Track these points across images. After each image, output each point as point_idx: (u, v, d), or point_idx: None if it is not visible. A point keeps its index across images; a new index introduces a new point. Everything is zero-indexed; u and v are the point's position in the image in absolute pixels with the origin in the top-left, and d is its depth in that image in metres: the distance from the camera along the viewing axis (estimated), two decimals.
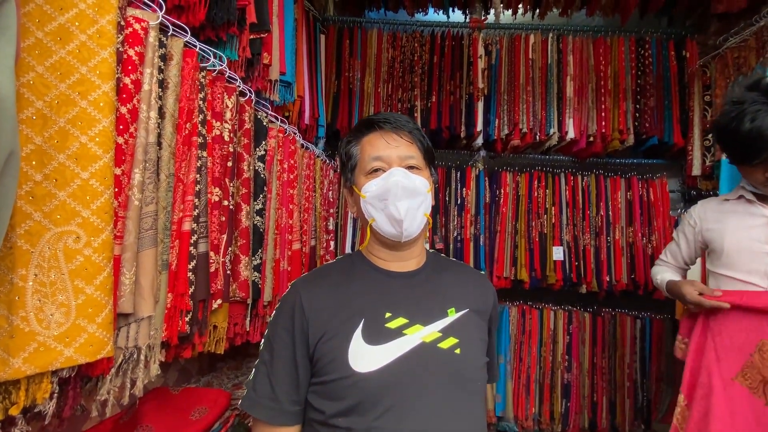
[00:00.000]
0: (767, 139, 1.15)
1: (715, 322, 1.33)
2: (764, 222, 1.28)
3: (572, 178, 2.81)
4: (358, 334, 0.78)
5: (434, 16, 2.93)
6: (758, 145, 1.17)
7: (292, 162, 1.82)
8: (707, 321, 1.36)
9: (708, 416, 1.24)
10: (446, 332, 0.81)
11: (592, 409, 2.71)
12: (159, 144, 1.00)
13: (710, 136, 2.43)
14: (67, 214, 0.76)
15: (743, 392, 1.22)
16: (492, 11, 2.73)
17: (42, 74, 0.79)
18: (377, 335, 0.78)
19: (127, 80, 0.92)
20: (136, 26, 0.95)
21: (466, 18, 2.90)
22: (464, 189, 2.82)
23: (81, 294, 0.76)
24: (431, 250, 0.99)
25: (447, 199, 2.83)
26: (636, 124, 2.65)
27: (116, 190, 0.86)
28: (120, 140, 0.89)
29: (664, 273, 1.58)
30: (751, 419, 1.20)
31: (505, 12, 2.80)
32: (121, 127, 0.89)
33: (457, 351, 0.80)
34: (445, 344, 0.80)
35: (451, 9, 2.87)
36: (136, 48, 0.94)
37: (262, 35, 1.52)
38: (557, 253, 2.71)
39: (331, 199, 2.60)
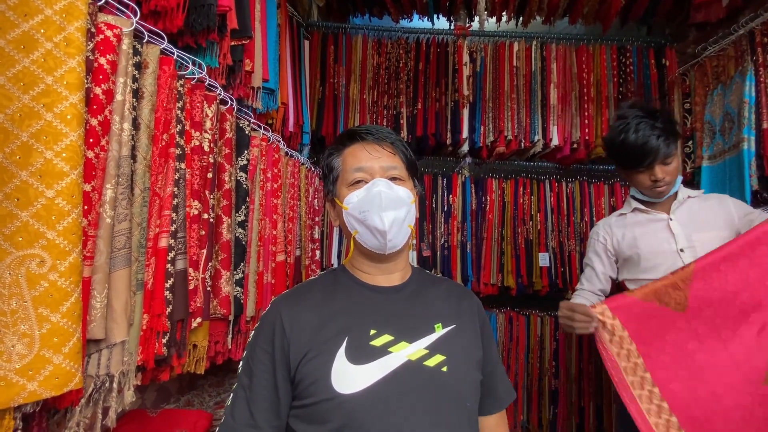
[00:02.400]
0: (648, 148, 1.31)
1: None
2: (665, 225, 1.42)
3: (557, 184, 2.83)
4: (341, 353, 0.75)
5: (419, 22, 2.93)
6: (642, 152, 1.32)
7: (275, 171, 1.77)
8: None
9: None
10: (433, 349, 0.79)
11: (580, 414, 2.71)
12: (133, 157, 0.94)
13: (690, 143, 2.47)
14: (30, 236, 0.70)
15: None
16: (476, 18, 2.74)
17: (3, 85, 0.73)
18: (361, 354, 0.75)
19: (98, 90, 0.86)
20: (108, 33, 0.89)
21: (450, 25, 2.90)
22: (450, 196, 2.81)
23: (45, 322, 0.70)
24: (415, 266, 0.96)
25: (434, 206, 2.82)
26: None
27: (86, 207, 0.80)
28: (90, 154, 0.83)
29: (575, 299, 1.51)
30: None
31: (489, 19, 2.81)
32: (91, 140, 0.84)
33: (444, 369, 0.78)
34: (432, 362, 0.77)
35: (435, 16, 2.87)
36: (108, 56, 0.88)
37: (243, 41, 1.47)
38: (543, 259, 2.72)
39: (317, 207, 2.55)
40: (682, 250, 1.36)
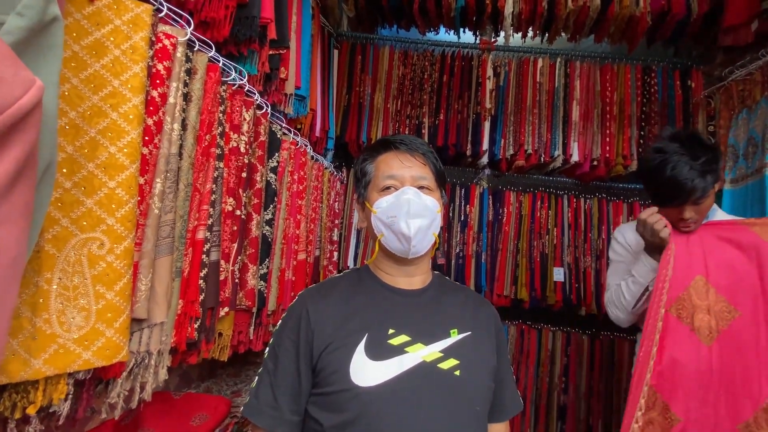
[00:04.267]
0: (682, 187, 1.27)
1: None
2: None
3: (575, 200, 2.85)
4: (360, 348, 0.80)
5: (445, 36, 3.00)
6: (675, 191, 1.29)
7: (302, 173, 1.86)
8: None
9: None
10: (447, 353, 0.82)
11: None
12: (180, 155, 1.03)
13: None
14: (93, 221, 0.79)
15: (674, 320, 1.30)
16: (502, 34, 2.80)
17: (76, 86, 0.82)
18: (379, 351, 0.80)
19: (154, 93, 0.95)
20: (166, 42, 0.99)
21: (476, 39, 2.97)
22: (468, 206, 2.85)
23: (101, 299, 0.78)
24: (435, 272, 1.00)
25: (450, 215, 2.86)
26: (640, 150, 2.69)
27: (138, 198, 0.89)
28: (144, 151, 0.92)
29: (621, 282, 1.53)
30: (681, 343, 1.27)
31: (515, 35, 2.86)
32: (146, 138, 0.92)
33: (457, 372, 0.81)
34: (446, 365, 0.81)
35: (462, 30, 2.94)
36: (164, 63, 0.98)
37: (280, 51, 1.56)
38: (558, 274, 2.73)
39: (337, 210, 2.63)
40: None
